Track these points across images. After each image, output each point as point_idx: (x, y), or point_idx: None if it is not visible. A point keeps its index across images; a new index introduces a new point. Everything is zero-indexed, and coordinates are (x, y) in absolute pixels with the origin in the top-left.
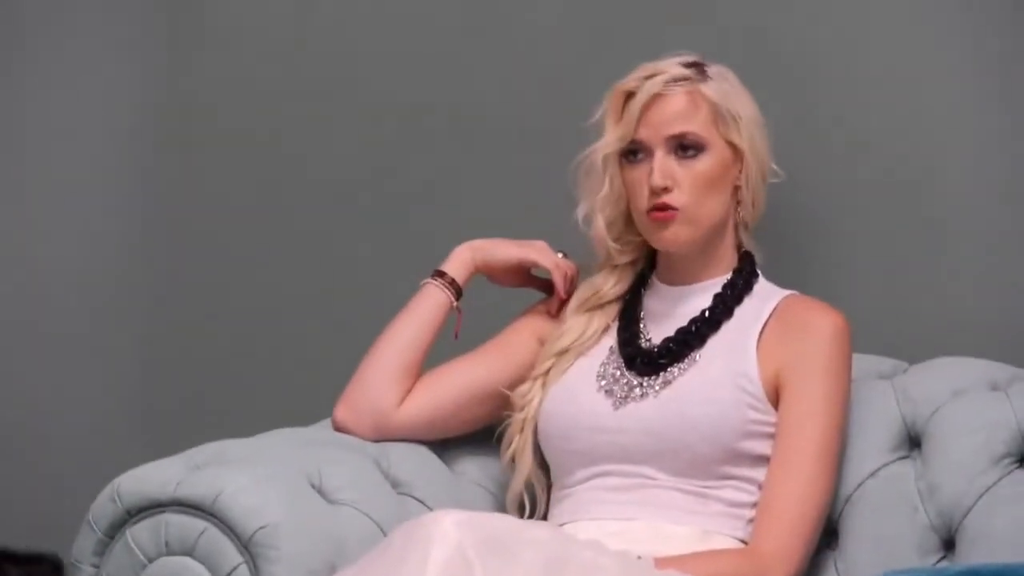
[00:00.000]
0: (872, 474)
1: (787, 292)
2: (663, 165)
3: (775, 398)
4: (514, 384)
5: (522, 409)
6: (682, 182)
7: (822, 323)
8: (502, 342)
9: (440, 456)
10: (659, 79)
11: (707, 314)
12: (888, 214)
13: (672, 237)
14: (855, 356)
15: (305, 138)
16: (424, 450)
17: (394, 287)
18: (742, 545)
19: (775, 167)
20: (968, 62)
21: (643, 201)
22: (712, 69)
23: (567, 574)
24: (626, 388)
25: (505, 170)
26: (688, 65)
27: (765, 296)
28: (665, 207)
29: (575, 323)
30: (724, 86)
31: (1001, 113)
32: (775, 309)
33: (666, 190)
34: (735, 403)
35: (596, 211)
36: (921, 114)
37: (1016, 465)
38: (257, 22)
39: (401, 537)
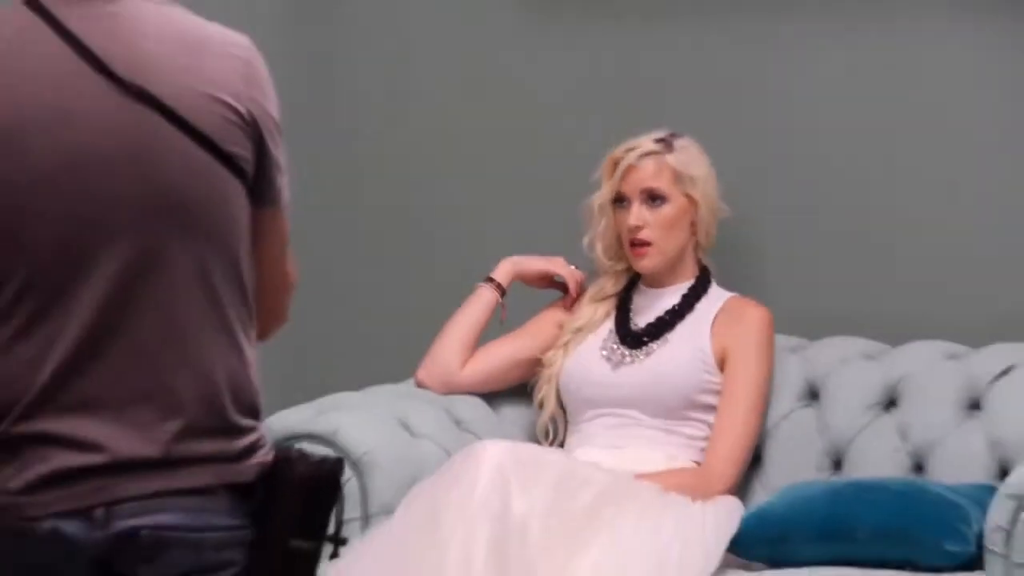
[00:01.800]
0: (784, 416)
1: (731, 294)
2: (637, 211)
3: (722, 366)
4: (538, 354)
5: (549, 367)
6: (651, 223)
7: (754, 315)
8: (532, 326)
9: (489, 405)
10: (635, 152)
11: (676, 308)
12: (801, 227)
13: (647, 264)
14: (778, 336)
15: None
16: (479, 401)
17: (461, 286)
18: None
19: (723, 205)
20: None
21: (625, 237)
22: (678, 142)
23: (572, 484)
24: (619, 357)
25: (543, 201)
26: (659, 140)
27: (716, 297)
28: (641, 243)
29: (587, 310)
30: (683, 156)
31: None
32: (723, 305)
33: (639, 228)
34: (694, 368)
35: (596, 239)
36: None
37: (883, 411)
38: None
39: (460, 458)
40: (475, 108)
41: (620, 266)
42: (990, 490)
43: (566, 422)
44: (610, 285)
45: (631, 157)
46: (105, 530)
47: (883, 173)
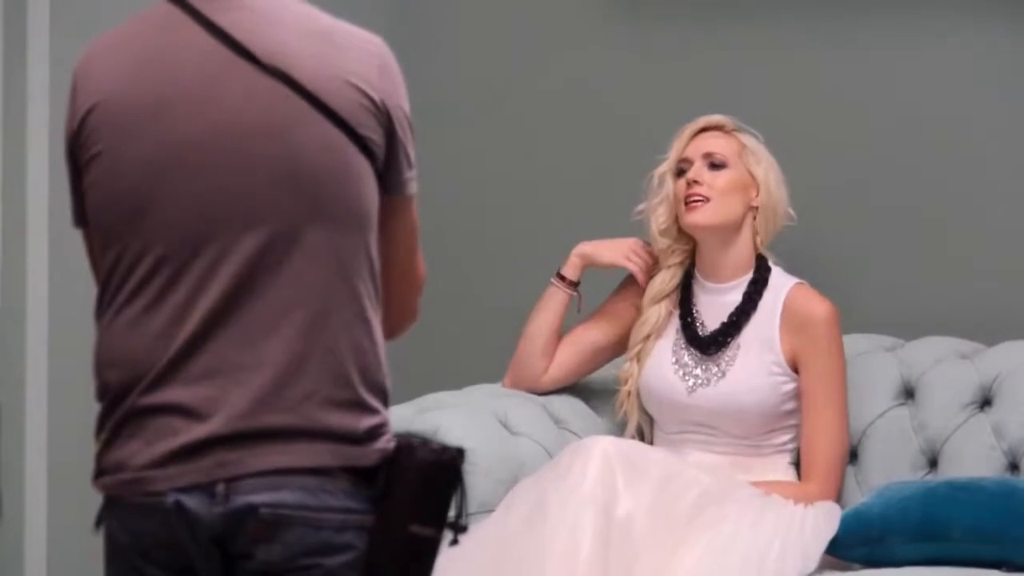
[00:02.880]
0: (881, 415)
1: (792, 282)
2: (698, 169)
3: (795, 367)
4: (620, 337)
5: (626, 382)
6: (710, 183)
7: (819, 315)
8: (609, 308)
9: (586, 402)
10: (707, 119)
11: (741, 307)
12: (896, 228)
13: (699, 218)
14: (870, 335)
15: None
16: (576, 399)
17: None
18: (793, 475)
19: (790, 211)
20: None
21: (682, 194)
22: (748, 131)
23: (677, 483)
24: (693, 376)
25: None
26: (729, 119)
27: (778, 288)
28: (695, 195)
29: (650, 313)
30: (753, 140)
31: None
32: (786, 301)
33: (697, 183)
34: (772, 387)
35: (650, 212)
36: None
37: (978, 410)
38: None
39: (568, 453)
40: (560, 112)
41: (675, 257)
42: None
43: (651, 428)
44: (667, 280)
45: (702, 122)
46: (225, 506)
47: (975, 174)
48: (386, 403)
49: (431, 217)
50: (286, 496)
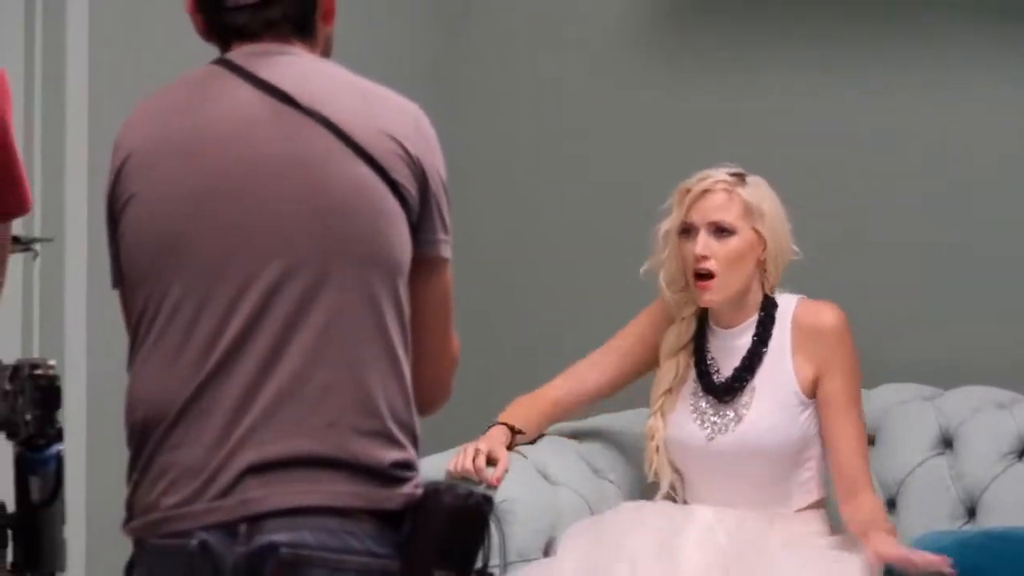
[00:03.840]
0: (919, 464)
1: (794, 302)
2: (704, 241)
3: (814, 387)
4: (638, 367)
5: (652, 438)
6: (717, 254)
7: (828, 323)
8: (619, 349)
9: (622, 453)
10: (708, 181)
11: (751, 349)
12: (934, 278)
13: (710, 298)
14: (908, 385)
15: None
16: (614, 448)
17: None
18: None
19: (794, 247)
20: None
21: (690, 267)
22: (750, 179)
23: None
24: (711, 423)
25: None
26: (732, 174)
27: (783, 313)
28: (705, 274)
29: (668, 366)
30: (756, 192)
31: None
32: (793, 323)
33: (705, 258)
34: (790, 420)
35: (660, 267)
36: None
37: (1017, 459)
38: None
39: (657, 514)
40: (615, 141)
41: (687, 309)
42: None
43: (683, 485)
44: (683, 333)
45: (702, 184)
46: (247, 545)
47: (1014, 223)
48: (415, 443)
49: (473, 254)
50: (307, 536)
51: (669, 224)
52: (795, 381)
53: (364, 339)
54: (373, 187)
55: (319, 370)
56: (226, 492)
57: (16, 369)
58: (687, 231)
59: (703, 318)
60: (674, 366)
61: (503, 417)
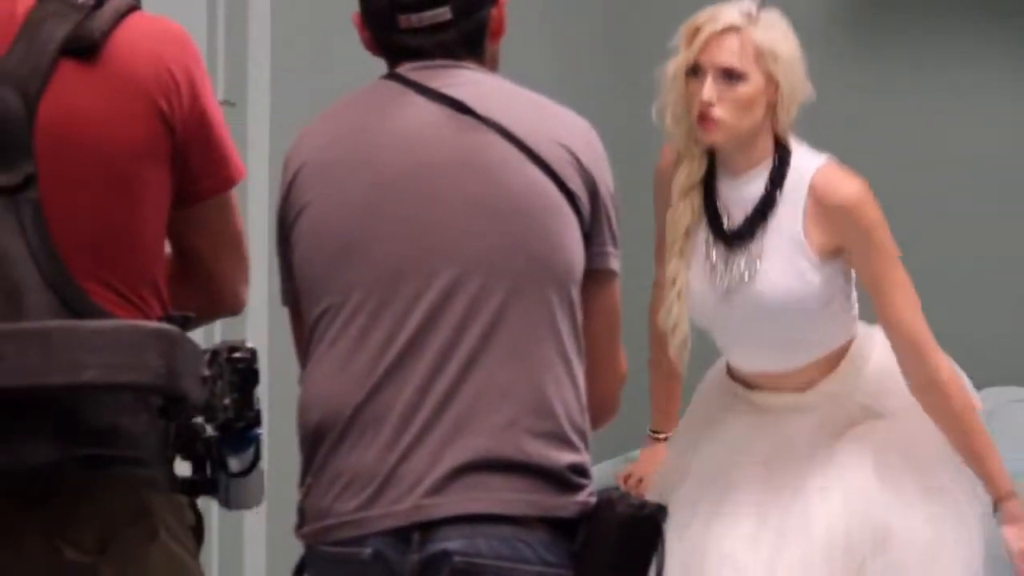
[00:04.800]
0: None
1: (815, 165)
2: (711, 86)
3: (832, 252)
4: None
5: (674, 282)
6: (724, 100)
7: (843, 200)
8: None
9: None
10: (718, 23)
11: (762, 200)
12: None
13: (713, 138)
14: (1009, 388)
15: None
16: None
17: None
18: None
19: (809, 86)
20: None
21: (695, 110)
22: (765, 15)
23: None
24: (723, 278)
25: None
26: (744, 13)
27: (801, 173)
28: (707, 118)
29: (684, 207)
30: (770, 32)
31: None
32: (808, 189)
33: (710, 104)
34: (804, 283)
35: (666, 107)
36: None
37: None
38: None
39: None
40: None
41: (696, 149)
42: None
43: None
44: (694, 171)
45: (713, 25)
46: (420, 553)
47: None
48: (587, 446)
49: None
50: (480, 544)
51: (675, 65)
52: (808, 247)
53: (538, 341)
54: (548, 192)
55: (493, 372)
56: (399, 498)
57: (214, 353)
58: (695, 71)
59: (712, 161)
60: (689, 206)
61: (654, 425)
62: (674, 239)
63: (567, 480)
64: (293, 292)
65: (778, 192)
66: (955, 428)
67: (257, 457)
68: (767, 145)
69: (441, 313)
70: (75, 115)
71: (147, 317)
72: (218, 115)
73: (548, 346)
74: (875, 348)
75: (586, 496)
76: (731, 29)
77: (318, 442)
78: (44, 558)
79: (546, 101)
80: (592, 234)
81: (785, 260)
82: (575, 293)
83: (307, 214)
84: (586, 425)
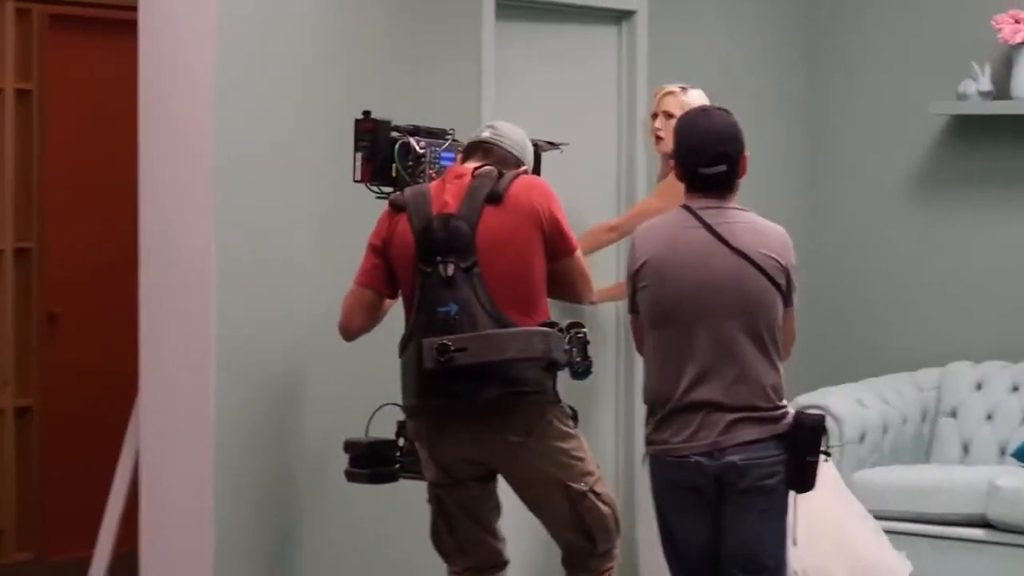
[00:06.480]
0: None
1: None
2: (660, 121)
3: None
4: None
5: None
6: (665, 129)
7: None
8: None
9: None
10: (664, 90)
11: None
12: None
13: (659, 148)
14: None
15: None
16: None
17: None
18: None
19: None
20: None
21: (653, 134)
22: (691, 91)
23: None
24: None
25: None
26: (681, 87)
27: None
28: (658, 135)
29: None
30: (691, 97)
31: None
32: None
33: (660, 130)
34: None
35: (646, 132)
36: None
37: None
38: None
39: None
40: None
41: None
42: None
43: None
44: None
45: (662, 91)
46: (718, 461)
47: None
48: (784, 403)
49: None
50: (751, 453)
51: (651, 112)
52: None
53: (760, 357)
54: (767, 290)
55: (739, 375)
56: (705, 436)
57: (569, 328)
58: (655, 115)
59: None
60: None
61: None
62: None
63: (777, 417)
64: (635, 308)
65: None
66: None
67: (588, 374)
68: None
69: (717, 347)
70: (494, 231)
71: (535, 324)
72: (564, 221)
73: (763, 361)
74: None
75: (788, 419)
76: (670, 93)
77: (655, 407)
78: (499, 441)
79: (762, 224)
80: (786, 296)
81: None
82: (777, 329)
83: (645, 291)
84: (783, 394)
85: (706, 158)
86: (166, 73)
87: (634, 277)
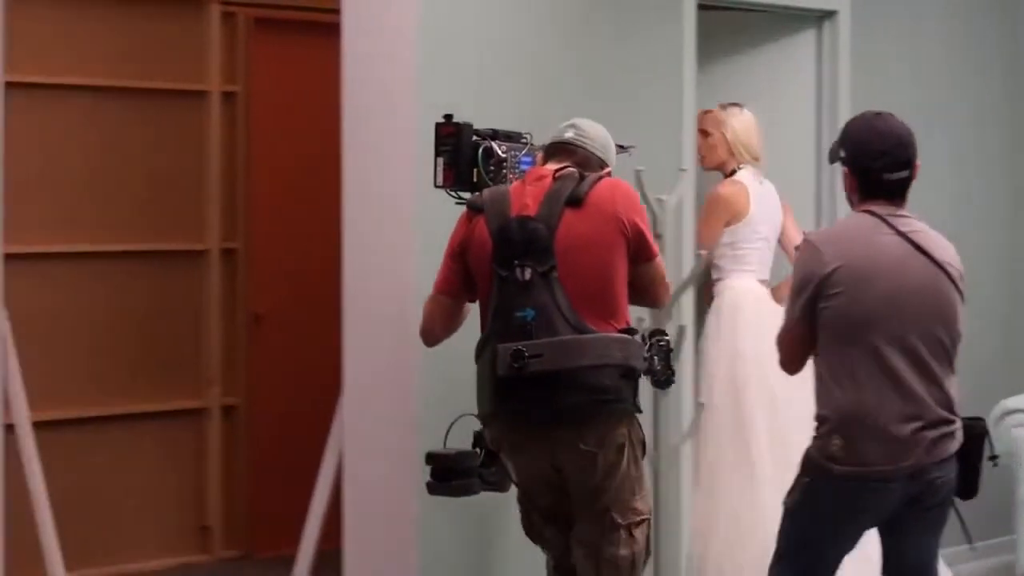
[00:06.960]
0: None
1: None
2: (698, 139)
3: None
4: None
5: None
6: (703, 144)
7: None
8: None
9: None
10: (704, 111)
11: None
12: None
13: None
14: None
15: None
16: None
17: None
18: None
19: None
20: None
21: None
22: (729, 107)
23: None
24: None
25: None
26: (722, 106)
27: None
28: (700, 153)
29: None
30: (725, 112)
31: None
32: None
33: (700, 149)
34: None
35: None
36: None
37: None
38: None
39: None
40: None
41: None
42: None
43: None
44: None
45: (702, 111)
46: (919, 480)
47: None
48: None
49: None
50: (945, 472)
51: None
52: None
53: (947, 363)
54: (957, 299)
55: (939, 382)
56: (911, 457)
57: (652, 335)
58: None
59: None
60: None
61: None
62: None
63: (956, 433)
64: (804, 321)
65: None
66: None
67: (671, 384)
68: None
69: (914, 354)
70: (574, 235)
71: (615, 330)
72: (646, 224)
73: (949, 373)
74: None
75: (959, 430)
76: (711, 112)
77: (849, 424)
78: (573, 449)
79: (939, 240)
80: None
81: None
82: (959, 337)
83: (838, 298)
84: (959, 410)
85: (894, 163)
86: (369, 75)
87: (820, 284)
